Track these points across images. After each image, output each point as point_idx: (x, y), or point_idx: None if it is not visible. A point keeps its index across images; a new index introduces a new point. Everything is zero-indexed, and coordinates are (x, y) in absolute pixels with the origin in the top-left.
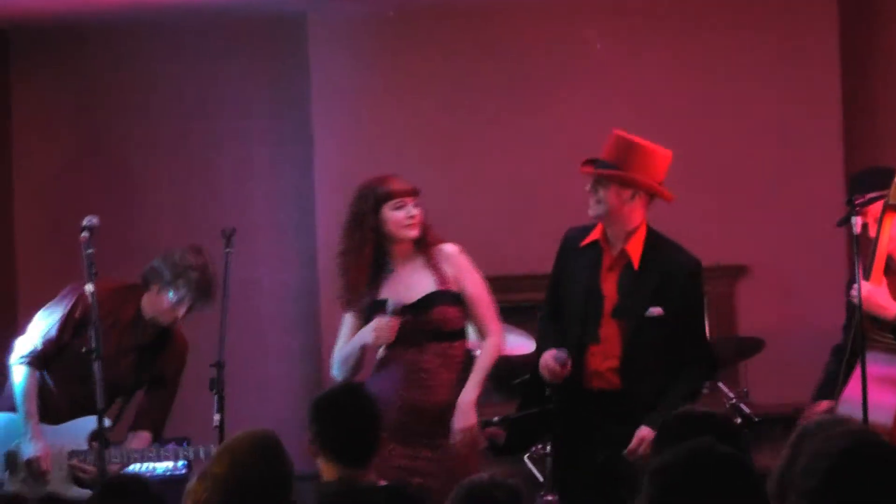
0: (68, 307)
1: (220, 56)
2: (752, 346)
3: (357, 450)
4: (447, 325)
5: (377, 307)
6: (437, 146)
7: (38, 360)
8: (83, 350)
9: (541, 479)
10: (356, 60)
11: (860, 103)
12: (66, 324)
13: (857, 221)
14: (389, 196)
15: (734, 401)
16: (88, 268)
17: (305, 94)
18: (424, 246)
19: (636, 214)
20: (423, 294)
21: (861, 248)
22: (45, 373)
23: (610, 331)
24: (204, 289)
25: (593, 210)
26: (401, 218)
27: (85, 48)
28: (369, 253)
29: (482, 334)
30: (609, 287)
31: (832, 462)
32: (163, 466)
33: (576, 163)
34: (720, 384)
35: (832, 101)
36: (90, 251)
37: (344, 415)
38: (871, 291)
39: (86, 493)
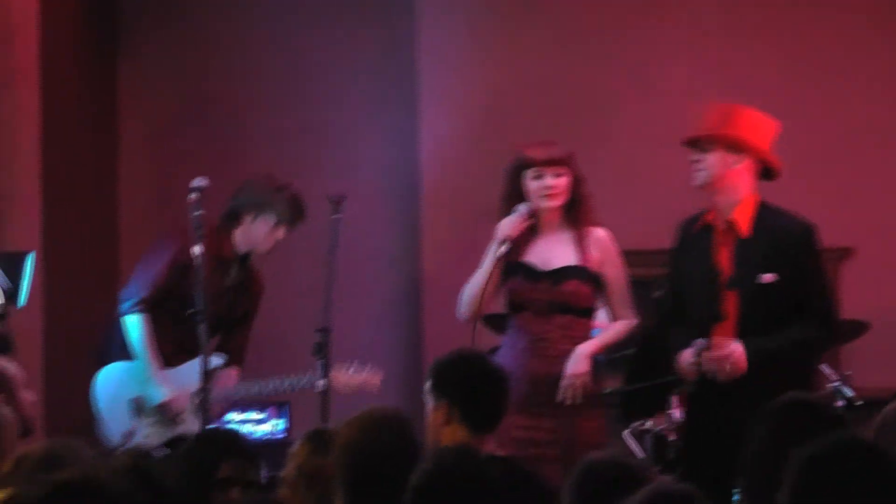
0: (172, 253)
1: (326, 19)
2: (856, 328)
3: (487, 414)
4: (576, 300)
5: (514, 269)
6: (546, 120)
7: (146, 306)
8: (188, 312)
9: (641, 454)
10: (465, 28)
11: None
12: (170, 269)
13: None
14: (528, 164)
15: (836, 383)
16: (197, 229)
17: (413, 61)
18: (576, 222)
19: (744, 182)
20: (561, 266)
21: None
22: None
23: (731, 305)
24: (297, 206)
25: (698, 179)
26: (537, 188)
27: (192, 8)
28: None
29: (616, 318)
30: (723, 260)
31: None
32: (261, 430)
33: (678, 137)
34: (822, 366)
35: None
36: (198, 213)
37: (476, 378)
38: None
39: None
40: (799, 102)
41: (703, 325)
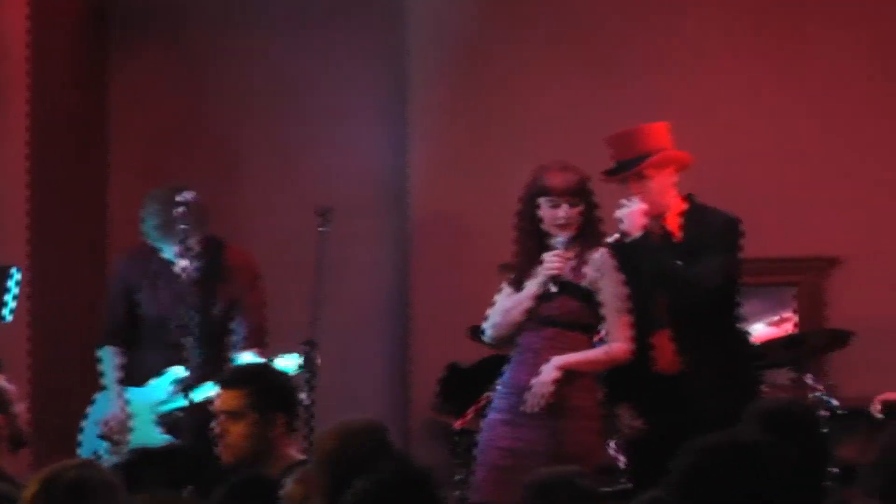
0: (113, 282)
1: (317, 29)
2: (841, 337)
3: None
4: (565, 315)
5: (519, 287)
6: (537, 130)
7: (110, 338)
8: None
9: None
10: (457, 40)
11: None
12: (115, 299)
13: None
14: (545, 192)
15: (821, 392)
16: (183, 243)
17: (403, 70)
18: (584, 241)
19: (672, 191)
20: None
21: None
22: (136, 343)
23: (665, 312)
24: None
25: (643, 210)
26: (551, 217)
27: (182, 20)
28: (529, 240)
29: (609, 339)
30: None
31: None
32: None
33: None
34: (807, 375)
35: None
36: (185, 227)
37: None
38: None
39: (170, 438)
40: (786, 113)
41: (643, 336)
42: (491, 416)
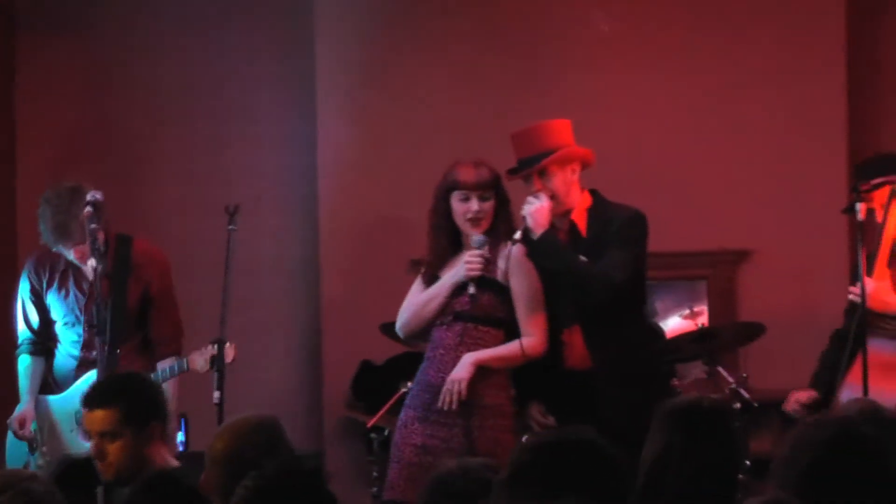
0: (21, 289)
1: (225, 27)
2: (753, 331)
3: None
4: (477, 308)
5: (431, 283)
6: (444, 127)
7: (25, 346)
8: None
9: None
10: (363, 34)
11: (865, 89)
12: (29, 304)
13: (861, 208)
14: (455, 186)
15: (734, 385)
16: (92, 244)
17: (311, 68)
18: (496, 236)
19: (576, 187)
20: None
21: (865, 236)
22: (58, 347)
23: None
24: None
25: (547, 206)
26: (463, 211)
27: (88, 20)
28: (442, 235)
29: (522, 334)
30: None
31: (813, 454)
32: None
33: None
34: (720, 369)
35: (837, 86)
36: (93, 226)
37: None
38: (876, 289)
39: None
40: (701, 106)
41: (554, 332)
42: (405, 414)
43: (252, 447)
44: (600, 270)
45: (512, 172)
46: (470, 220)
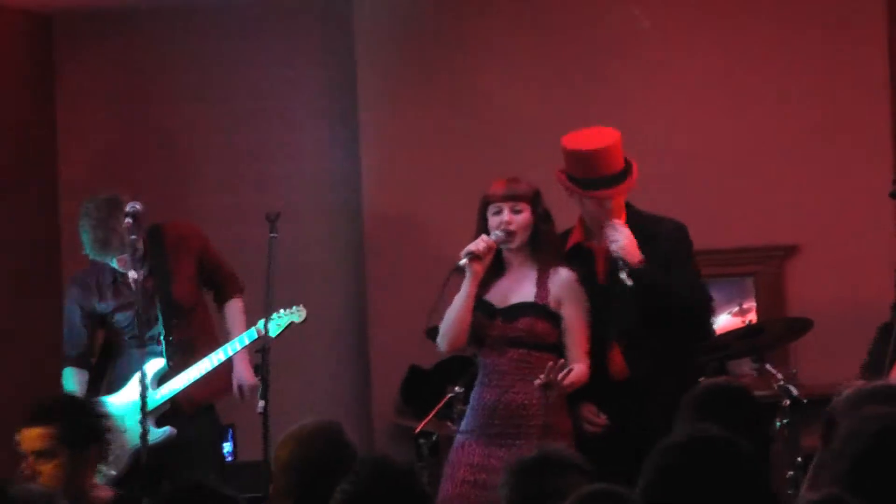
0: (68, 304)
1: (267, 34)
2: (801, 326)
3: None
4: (532, 337)
5: (476, 306)
6: (489, 129)
7: (70, 360)
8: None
9: None
10: (405, 41)
11: None
12: (74, 318)
13: None
14: (489, 200)
15: (782, 382)
16: (132, 255)
17: (351, 72)
18: (540, 260)
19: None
20: (516, 302)
21: None
22: (114, 360)
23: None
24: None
25: (618, 215)
26: (496, 224)
27: (127, 30)
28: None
29: (569, 361)
30: (607, 276)
31: (865, 445)
32: None
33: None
34: (768, 365)
35: (880, 76)
36: (133, 237)
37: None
38: None
39: (167, 429)
40: (746, 102)
41: (602, 344)
42: (460, 438)
43: (318, 452)
44: (699, 289)
45: (586, 187)
46: (502, 231)
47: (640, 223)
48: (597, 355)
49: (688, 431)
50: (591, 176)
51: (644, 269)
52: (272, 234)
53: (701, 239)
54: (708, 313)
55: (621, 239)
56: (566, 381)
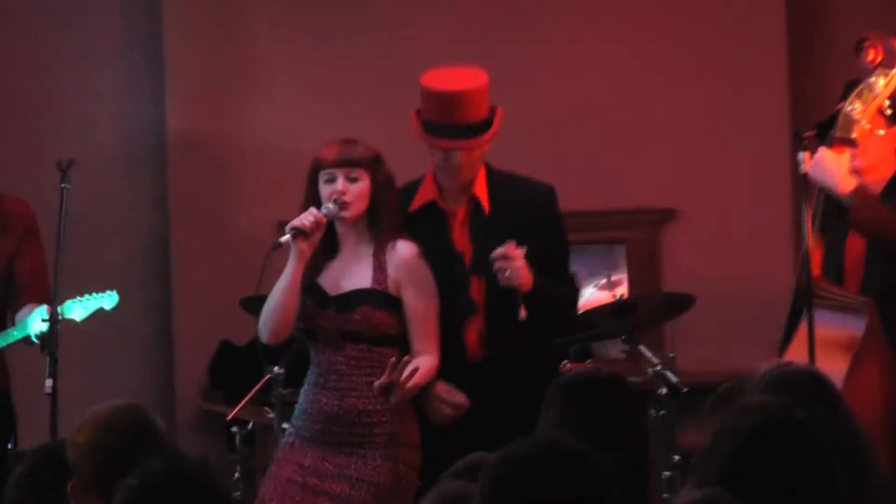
0: None
1: None
2: (680, 302)
3: None
4: (371, 329)
5: (307, 290)
6: (314, 78)
7: None
8: None
9: None
10: None
11: (808, 32)
12: None
13: (804, 158)
14: (319, 165)
15: (659, 367)
16: None
17: (160, 20)
18: (377, 235)
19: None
20: (351, 289)
21: (809, 192)
22: None
23: (478, 293)
24: None
25: (466, 174)
26: (328, 194)
27: None
28: None
29: (414, 353)
30: (463, 243)
31: (739, 442)
32: None
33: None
34: (641, 347)
35: (776, 29)
36: None
37: None
38: (827, 156)
39: None
40: (613, 59)
41: (454, 321)
42: (289, 441)
43: (120, 438)
44: (572, 287)
45: (436, 134)
46: (335, 202)
47: (500, 181)
48: (450, 334)
49: (532, 442)
50: (446, 121)
51: (540, 289)
52: (63, 185)
53: (564, 199)
54: (576, 307)
55: (511, 267)
56: (410, 383)
